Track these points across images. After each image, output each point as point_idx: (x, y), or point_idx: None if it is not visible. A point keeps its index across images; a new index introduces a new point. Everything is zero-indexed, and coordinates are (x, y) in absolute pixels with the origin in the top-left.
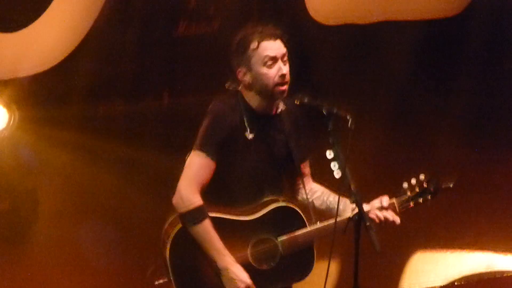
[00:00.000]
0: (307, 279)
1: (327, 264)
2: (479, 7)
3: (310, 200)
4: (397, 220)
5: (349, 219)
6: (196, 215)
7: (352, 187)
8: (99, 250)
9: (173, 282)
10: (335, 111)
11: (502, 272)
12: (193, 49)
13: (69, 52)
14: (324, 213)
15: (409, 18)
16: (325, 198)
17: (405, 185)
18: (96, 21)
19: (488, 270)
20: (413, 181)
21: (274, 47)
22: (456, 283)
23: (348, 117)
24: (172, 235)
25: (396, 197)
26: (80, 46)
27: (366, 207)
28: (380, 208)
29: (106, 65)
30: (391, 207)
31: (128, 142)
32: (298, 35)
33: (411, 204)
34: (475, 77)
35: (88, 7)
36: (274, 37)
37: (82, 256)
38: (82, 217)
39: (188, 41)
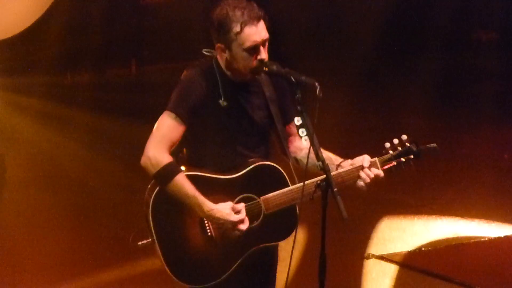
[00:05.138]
0: None
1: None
2: None
3: (298, 158)
4: (381, 173)
5: (317, 186)
6: (167, 172)
7: (320, 154)
8: (66, 216)
9: (157, 244)
10: (303, 78)
11: (469, 238)
12: (160, 17)
13: (36, 19)
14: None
15: None
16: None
17: (387, 144)
18: None
19: (455, 236)
20: (396, 141)
21: (257, 32)
22: (423, 249)
23: (316, 85)
24: (152, 196)
25: (378, 156)
26: (47, 14)
27: (346, 164)
28: (361, 167)
29: (73, 33)
30: (373, 165)
31: (95, 110)
32: (265, 2)
33: (394, 162)
34: (442, 47)
35: None
36: (257, 19)
37: (49, 223)
38: (49, 184)
39: (155, 9)
